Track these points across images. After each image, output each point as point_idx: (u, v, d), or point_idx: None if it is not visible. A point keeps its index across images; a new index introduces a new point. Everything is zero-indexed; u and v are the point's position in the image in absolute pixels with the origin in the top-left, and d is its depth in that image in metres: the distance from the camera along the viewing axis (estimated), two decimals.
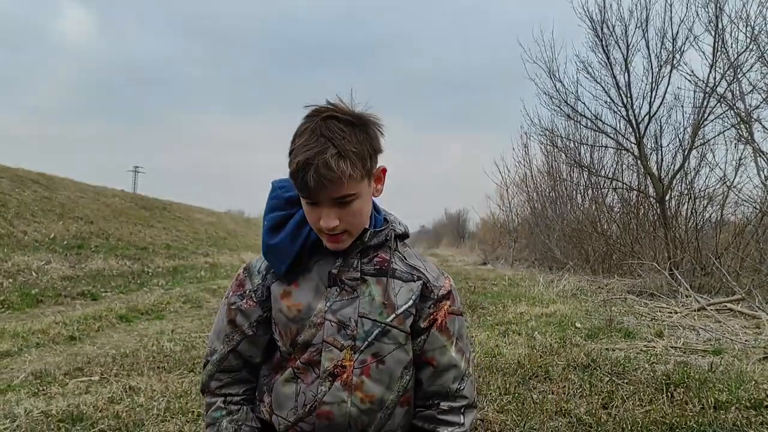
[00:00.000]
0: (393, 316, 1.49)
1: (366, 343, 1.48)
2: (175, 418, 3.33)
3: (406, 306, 1.51)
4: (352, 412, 1.48)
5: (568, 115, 13.88)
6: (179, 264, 15.27)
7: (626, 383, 4.07)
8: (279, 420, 1.52)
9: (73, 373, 4.46)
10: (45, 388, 4.04)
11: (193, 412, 3.45)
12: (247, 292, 1.56)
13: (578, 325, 6.68)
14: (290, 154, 1.34)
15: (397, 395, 1.52)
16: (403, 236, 1.61)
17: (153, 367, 4.62)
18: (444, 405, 1.54)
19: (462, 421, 1.53)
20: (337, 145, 1.29)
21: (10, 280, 9.40)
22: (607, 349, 5.32)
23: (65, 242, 13.03)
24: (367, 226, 1.49)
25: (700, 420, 3.21)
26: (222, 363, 1.57)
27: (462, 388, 1.55)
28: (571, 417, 3.37)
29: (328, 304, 1.48)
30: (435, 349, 1.54)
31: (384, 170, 1.47)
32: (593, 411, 3.43)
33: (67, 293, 9.22)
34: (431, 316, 1.53)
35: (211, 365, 1.59)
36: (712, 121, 10.64)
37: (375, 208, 1.57)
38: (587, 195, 16.47)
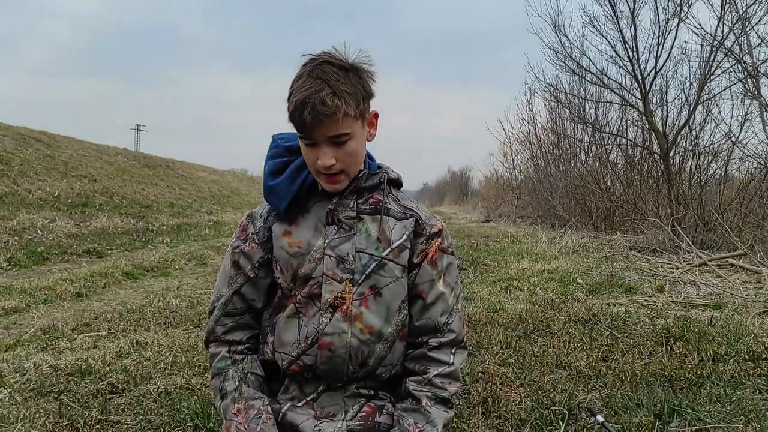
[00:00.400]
0: (388, 250, 1.58)
1: (364, 275, 1.56)
2: (182, 372, 3.39)
3: (401, 240, 1.60)
4: (353, 342, 1.55)
5: (573, 71, 13.70)
6: (183, 222, 15.32)
7: (626, 337, 4.12)
8: (282, 356, 1.58)
9: (80, 329, 4.53)
10: (53, 343, 4.10)
11: (200, 365, 3.51)
12: (250, 235, 1.65)
13: (580, 280, 6.73)
14: (288, 98, 1.43)
15: (396, 329, 1.60)
16: (397, 183, 1.69)
17: (159, 323, 4.69)
18: (433, 341, 1.60)
19: (451, 360, 1.59)
20: (332, 86, 1.38)
21: (16, 238, 9.46)
22: (608, 304, 5.37)
23: (69, 200, 13.06)
24: (362, 168, 1.59)
25: (699, 372, 3.26)
26: (227, 306, 1.64)
27: (450, 322, 1.62)
28: (571, 369, 3.42)
29: (326, 241, 1.57)
30: (425, 282, 1.62)
31: (376, 115, 1.55)
32: (593, 364, 3.48)
33: (72, 251, 9.29)
34: (423, 251, 1.62)
35: (217, 310, 1.65)
36: (718, 75, 10.49)
37: (369, 156, 1.66)
38: (591, 152, 16.39)
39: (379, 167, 1.68)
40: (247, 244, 1.65)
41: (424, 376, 1.57)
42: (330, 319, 1.54)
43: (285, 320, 1.58)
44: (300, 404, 1.59)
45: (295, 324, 1.57)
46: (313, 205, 1.61)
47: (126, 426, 2.65)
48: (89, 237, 10.77)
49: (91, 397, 3.00)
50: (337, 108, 1.38)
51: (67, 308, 5.48)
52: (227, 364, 1.61)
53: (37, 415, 2.70)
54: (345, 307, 1.54)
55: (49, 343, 4.08)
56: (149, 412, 2.79)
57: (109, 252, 9.74)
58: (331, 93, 1.38)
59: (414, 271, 1.62)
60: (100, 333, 4.38)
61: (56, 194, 13.11)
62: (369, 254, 1.57)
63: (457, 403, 1.62)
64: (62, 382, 3.21)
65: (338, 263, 1.56)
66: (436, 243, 1.63)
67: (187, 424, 2.61)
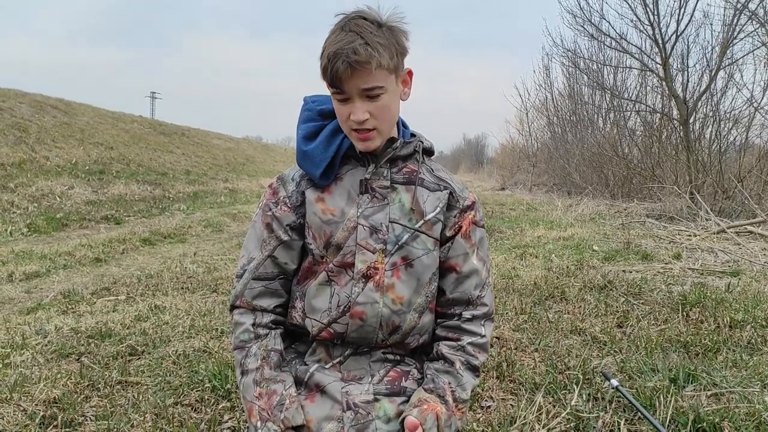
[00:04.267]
0: (422, 222, 1.56)
1: (396, 246, 1.54)
2: (199, 335, 3.44)
3: (434, 213, 1.57)
4: (384, 312, 1.54)
5: (592, 35, 13.47)
6: (199, 189, 15.40)
7: (642, 303, 4.10)
8: (312, 323, 1.58)
9: (100, 293, 4.60)
10: (73, 306, 4.17)
11: (217, 329, 3.55)
12: (282, 198, 1.60)
13: (595, 248, 6.70)
14: (321, 54, 1.39)
15: (426, 300, 1.59)
16: (429, 152, 1.66)
17: (177, 288, 4.75)
18: (466, 313, 1.61)
19: (483, 332, 1.60)
20: (365, 37, 1.35)
21: (35, 205, 9.58)
22: (623, 271, 5.35)
23: (87, 168, 13.16)
24: (395, 133, 1.56)
25: (715, 338, 3.25)
26: (258, 269, 1.60)
27: (483, 295, 1.62)
28: (586, 335, 3.43)
29: (360, 210, 1.54)
30: (459, 255, 1.60)
31: (410, 72, 1.51)
32: (608, 330, 3.48)
33: (91, 217, 9.40)
34: (456, 224, 1.60)
35: (248, 273, 1.61)
36: (741, 39, 10.25)
37: (403, 123, 1.63)
38: (609, 118, 16.17)
39: (413, 135, 1.65)
40: (279, 207, 1.60)
41: (458, 342, 1.58)
42: (363, 289, 1.53)
43: (316, 287, 1.57)
44: (327, 366, 1.59)
45: (326, 292, 1.56)
46: (347, 172, 1.58)
47: (146, 387, 2.70)
48: (107, 204, 10.87)
49: (111, 358, 3.06)
50: (371, 56, 1.35)
51: (87, 273, 5.56)
52: (250, 338, 1.58)
53: (59, 376, 2.76)
54: (378, 277, 1.54)
55: (70, 307, 4.15)
56: (168, 374, 2.84)
57: (126, 219, 9.83)
58: (364, 43, 1.34)
59: (447, 244, 1.60)
60: (119, 297, 4.45)
61: (74, 161, 13.21)
62: (402, 225, 1.55)
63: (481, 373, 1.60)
64: (83, 345, 3.27)
65: (371, 233, 1.54)
66: (470, 216, 1.62)
67: (205, 385, 2.65)
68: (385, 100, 1.43)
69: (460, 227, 1.60)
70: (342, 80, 1.37)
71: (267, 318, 1.60)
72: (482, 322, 1.61)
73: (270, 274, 1.61)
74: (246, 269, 1.62)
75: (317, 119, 1.59)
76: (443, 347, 1.59)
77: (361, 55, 1.34)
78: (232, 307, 1.64)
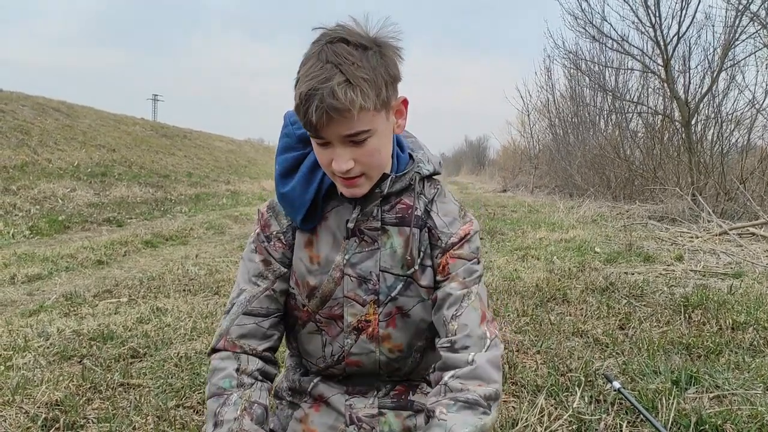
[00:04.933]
0: (413, 269, 1.38)
1: (389, 297, 1.39)
2: (201, 337, 3.44)
3: (420, 259, 1.38)
4: (382, 360, 1.45)
5: (594, 37, 13.43)
6: (201, 192, 15.42)
7: (644, 305, 4.10)
8: (309, 364, 1.51)
9: (102, 295, 4.60)
10: (75, 308, 4.18)
11: None
12: (275, 233, 1.42)
13: (597, 249, 6.69)
14: (295, 86, 1.17)
15: (426, 341, 1.46)
16: (433, 174, 1.44)
17: (179, 290, 4.75)
18: (444, 341, 1.33)
19: (470, 358, 1.27)
20: (345, 72, 1.10)
21: (38, 207, 9.59)
22: (625, 272, 5.34)
23: (89, 170, 13.18)
24: (388, 170, 1.33)
25: (717, 340, 3.24)
26: (251, 302, 1.40)
27: (459, 314, 1.32)
28: (588, 337, 3.42)
29: (346, 257, 1.38)
30: (437, 289, 1.39)
31: (405, 101, 1.28)
32: (610, 331, 3.48)
33: (93, 219, 9.41)
34: (440, 266, 1.39)
35: (237, 306, 1.40)
36: (743, 41, 10.25)
37: (398, 143, 1.40)
38: (611, 120, 16.16)
39: (411, 157, 1.42)
40: (273, 243, 1.42)
41: (441, 382, 1.27)
42: (356, 341, 1.42)
43: (307, 334, 1.47)
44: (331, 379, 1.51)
45: (318, 340, 1.46)
46: (332, 210, 1.39)
47: (147, 389, 2.70)
48: (109, 206, 10.88)
49: (113, 361, 3.06)
50: (352, 102, 1.10)
51: (89, 275, 5.56)
52: (232, 385, 1.33)
53: (60, 378, 2.75)
54: (371, 329, 1.41)
55: (72, 309, 4.15)
56: (170, 376, 2.84)
57: (128, 221, 9.85)
58: (344, 82, 1.10)
59: (437, 289, 1.39)
60: (121, 299, 4.45)
61: (76, 164, 13.23)
62: (395, 275, 1.38)
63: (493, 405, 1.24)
64: (85, 347, 3.27)
65: (360, 284, 1.38)
66: (453, 252, 1.38)
67: None
68: (373, 144, 1.21)
69: (440, 265, 1.38)
70: (318, 128, 1.16)
71: (254, 365, 1.38)
72: (467, 347, 1.28)
73: (264, 310, 1.41)
74: (235, 302, 1.41)
75: (297, 147, 1.38)
76: (428, 399, 1.29)
77: (340, 100, 1.10)
78: (212, 351, 1.41)
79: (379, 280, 1.38)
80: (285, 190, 1.36)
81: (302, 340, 1.49)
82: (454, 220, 1.40)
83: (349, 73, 1.11)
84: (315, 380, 1.52)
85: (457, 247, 1.37)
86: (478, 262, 1.40)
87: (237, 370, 1.35)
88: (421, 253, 1.38)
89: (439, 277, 1.39)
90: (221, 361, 1.37)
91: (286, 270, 1.42)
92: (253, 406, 1.31)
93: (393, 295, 1.39)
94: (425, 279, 1.39)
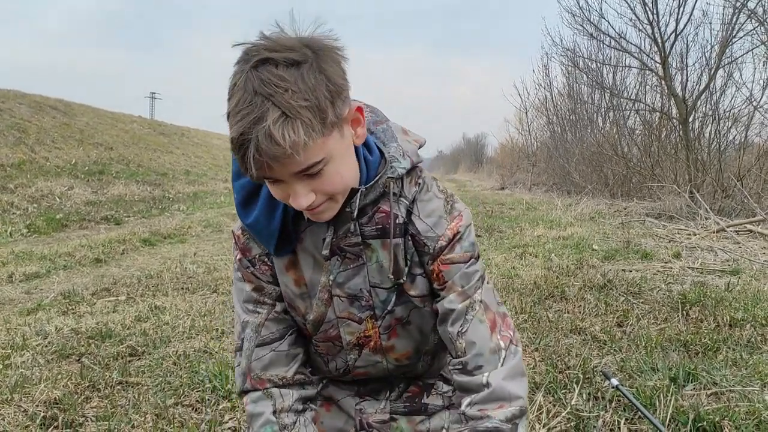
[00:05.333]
0: (402, 280, 1.27)
1: (386, 311, 1.30)
2: (200, 335, 3.44)
3: (408, 269, 1.27)
4: (390, 368, 1.39)
5: (591, 34, 13.47)
6: (199, 189, 15.42)
7: (642, 303, 4.10)
8: (316, 371, 1.45)
9: (100, 293, 4.60)
10: (74, 307, 4.18)
11: (217, 329, 3.55)
12: (258, 256, 1.30)
13: (595, 247, 6.69)
14: (227, 118, 1.01)
15: (434, 344, 1.40)
16: (412, 168, 1.27)
17: (177, 288, 4.74)
18: (455, 362, 1.26)
19: (484, 380, 1.20)
20: (279, 104, 0.94)
21: (35, 205, 9.59)
22: (623, 270, 5.35)
23: (86, 168, 13.18)
24: (356, 184, 1.17)
25: (715, 337, 3.25)
26: (260, 332, 1.31)
27: (464, 330, 1.24)
28: (586, 334, 3.43)
29: (331, 278, 1.26)
30: (437, 299, 1.30)
31: (359, 109, 1.13)
32: (608, 329, 3.48)
33: (90, 218, 9.41)
34: (434, 274, 1.27)
35: (247, 342, 1.32)
36: (741, 38, 10.26)
37: (366, 145, 1.23)
38: (608, 117, 16.17)
39: (382, 156, 1.24)
40: (258, 267, 1.30)
41: (459, 410, 1.23)
42: (359, 355, 1.35)
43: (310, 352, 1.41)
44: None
45: (319, 360, 1.40)
46: (306, 230, 1.25)
47: (146, 387, 2.70)
48: (107, 204, 10.88)
49: (111, 359, 3.06)
50: (294, 144, 0.95)
51: (87, 274, 5.56)
52: (274, 430, 1.26)
53: (59, 377, 2.75)
54: (372, 343, 1.33)
55: (70, 308, 4.15)
56: (169, 374, 2.84)
57: (126, 219, 9.84)
58: (279, 118, 0.94)
59: (437, 297, 1.29)
60: (119, 298, 4.45)
61: (73, 162, 13.22)
62: (386, 289, 1.28)
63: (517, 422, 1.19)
64: (83, 345, 3.27)
65: (352, 302, 1.28)
66: (443, 257, 1.25)
67: (206, 386, 2.65)
68: (331, 171, 1.06)
69: (433, 273, 1.27)
70: (260, 176, 1.04)
71: (289, 399, 1.31)
72: (480, 367, 1.21)
73: (276, 333, 1.32)
74: (243, 338, 1.32)
75: None
76: (452, 426, 1.31)
77: (280, 145, 0.94)
78: (242, 393, 1.34)
79: (371, 296, 1.28)
80: (249, 222, 1.23)
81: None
82: (440, 219, 1.25)
83: (284, 104, 0.94)
84: (324, 381, 1.48)
85: (448, 251, 1.24)
86: (476, 260, 1.28)
87: (274, 412, 1.28)
88: (409, 262, 1.26)
89: (435, 285, 1.28)
90: (255, 405, 1.30)
91: (280, 288, 1.32)
92: None
93: (389, 308, 1.29)
94: (416, 289, 1.28)
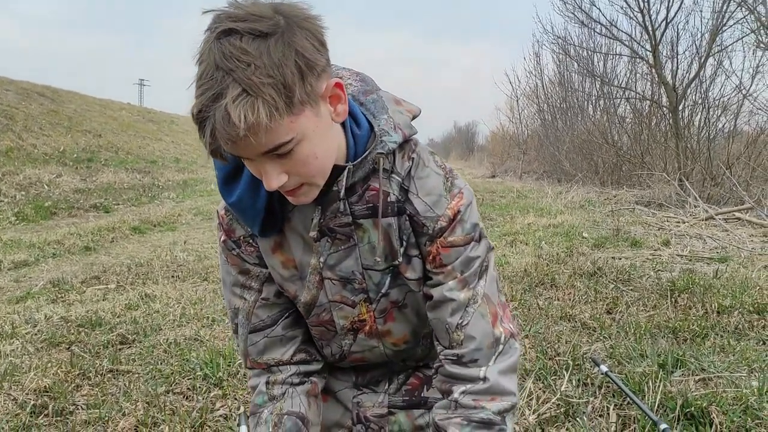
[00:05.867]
0: (397, 261, 1.20)
1: (380, 294, 1.25)
2: (190, 323, 3.43)
3: (403, 250, 1.20)
4: (388, 353, 1.35)
5: (582, 22, 13.45)
6: (189, 177, 15.35)
7: (631, 290, 4.13)
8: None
9: (89, 282, 4.58)
10: (63, 295, 4.16)
11: (208, 317, 3.55)
12: (242, 237, 1.24)
13: (585, 234, 6.72)
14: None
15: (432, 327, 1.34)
16: (405, 141, 1.17)
17: (167, 276, 4.73)
18: (449, 353, 1.22)
19: (481, 374, 1.19)
20: (239, 80, 0.86)
21: (23, 193, 9.51)
22: (613, 257, 5.38)
23: (75, 155, 13.07)
24: (341, 162, 1.10)
25: (703, 324, 3.28)
26: (250, 320, 1.28)
27: (464, 323, 1.19)
28: (576, 322, 3.45)
29: (321, 260, 1.20)
30: (432, 284, 1.23)
31: (339, 84, 1.01)
32: (597, 316, 3.51)
33: (79, 206, 9.35)
34: (429, 254, 1.20)
35: (241, 327, 1.29)
36: (731, 26, 10.29)
37: (353, 115, 1.13)
38: (599, 105, 16.22)
39: (372, 129, 1.14)
40: (243, 248, 1.24)
41: (451, 396, 1.20)
42: (354, 340, 1.31)
43: None
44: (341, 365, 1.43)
45: (315, 342, 1.37)
46: (293, 210, 1.18)
47: (137, 375, 2.69)
48: (96, 192, 10.81)
49: (101, 347, 3.05)
50: (253, 125, 0.87)
51: (76, 262, 5.53)
52: (264, 401, 1.28)
53: (49, 365, 2.74)
54: (368, 327, 1.29)
55: (59, 296, 4.13)
56: (159, 362, 2.83)
57: (115, 207, 9.79)
58: (239, 96, 0.85)
59: (429, 280, 1.24)
60: (109, 286, 4.43)
61: (61, 149, 13.11)
62: (380, 271, 1.22)
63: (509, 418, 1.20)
64: (73, 333, 3.26)
65: (344, 285, 1.23)
66: (443, 239, 1.18)
67: (197, 374, 2.65)
68: (303, 150, 0.97)
69: (430, 254, 1.20)
70: (224, 155, 0.95)
71: (284, 373, 1.30)
72: (476, 361, 1.20)
73: (268, 319, 1.29)
74: (237, 323, 1.30)
75: None
76: (436, 413, 1.22)
77: (236, 126, 0.86)
78: (248, 367, 1.36)
79: (364, 278, 1.22)
80: (232, 201, 1.14)
81: None
82: (439, 198, 1.17)
83: (245, 81, 0.86)
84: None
85: (448, 233, 1.17)
86: (479, 241, 1.21)
87: (267, 383, 1.29)
88: (404, 243, 1.19)
89: (429, 266, 1.20)
90: (255, 378, 1.32)
91: (268, 270, 1.26)
92: (283, 419, 1.24)
93: (384, 291, 1.24)
94: (413, 271, 1.22)
